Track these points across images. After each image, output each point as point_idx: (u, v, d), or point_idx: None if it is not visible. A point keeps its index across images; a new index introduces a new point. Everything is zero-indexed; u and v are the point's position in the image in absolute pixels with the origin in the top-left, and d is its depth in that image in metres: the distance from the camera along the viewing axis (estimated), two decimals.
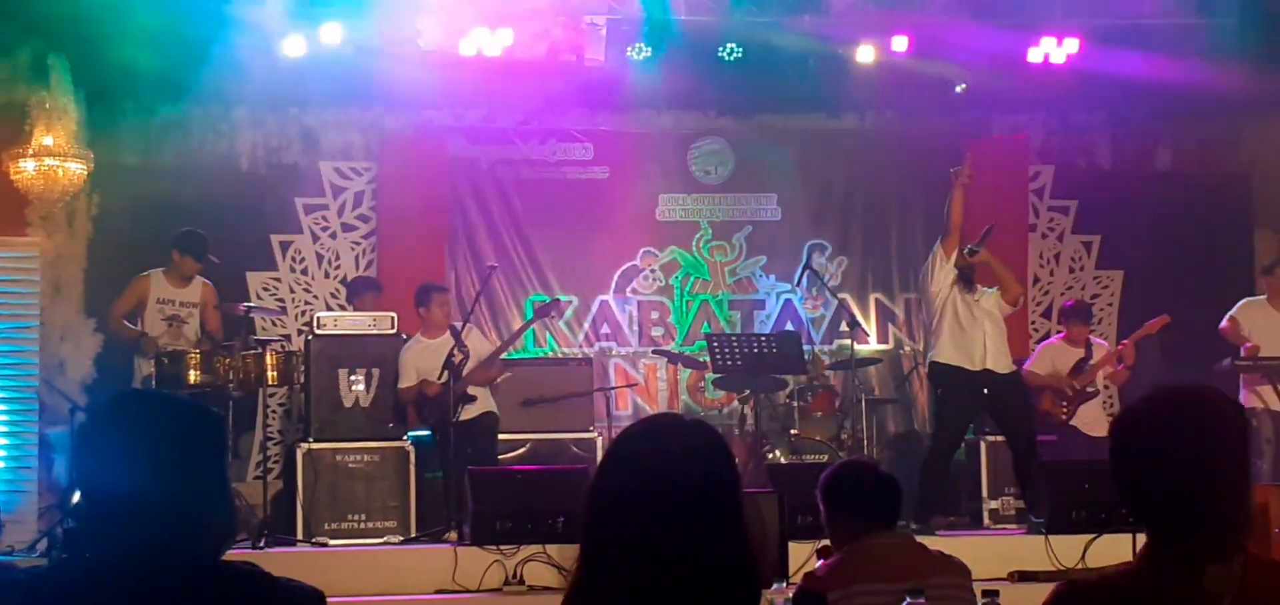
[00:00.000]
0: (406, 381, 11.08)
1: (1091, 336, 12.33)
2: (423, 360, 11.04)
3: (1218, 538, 2.81)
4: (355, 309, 11.93)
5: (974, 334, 10.68)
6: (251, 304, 12.20)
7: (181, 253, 11.23)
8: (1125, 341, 12.08)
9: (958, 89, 13.36)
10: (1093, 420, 11.92)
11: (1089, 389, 11.93)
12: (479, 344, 11.31)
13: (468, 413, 10.97)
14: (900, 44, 12.56)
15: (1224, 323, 12.03)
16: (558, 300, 12.35)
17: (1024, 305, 14.22)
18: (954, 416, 10.82)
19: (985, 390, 10.64)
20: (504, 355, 11.80)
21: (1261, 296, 12.14)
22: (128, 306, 11.39)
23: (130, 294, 11.42)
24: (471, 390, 10.98)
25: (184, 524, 2.76)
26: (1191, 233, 14.37)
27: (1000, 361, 10.72)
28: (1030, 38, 12.64)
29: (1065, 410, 11.84)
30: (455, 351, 10.74)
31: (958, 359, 10.66)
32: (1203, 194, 14.50)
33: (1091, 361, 11.90)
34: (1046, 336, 13.57)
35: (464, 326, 11.30)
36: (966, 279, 10.75)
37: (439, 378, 10.76)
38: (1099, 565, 9.25)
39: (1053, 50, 12.64)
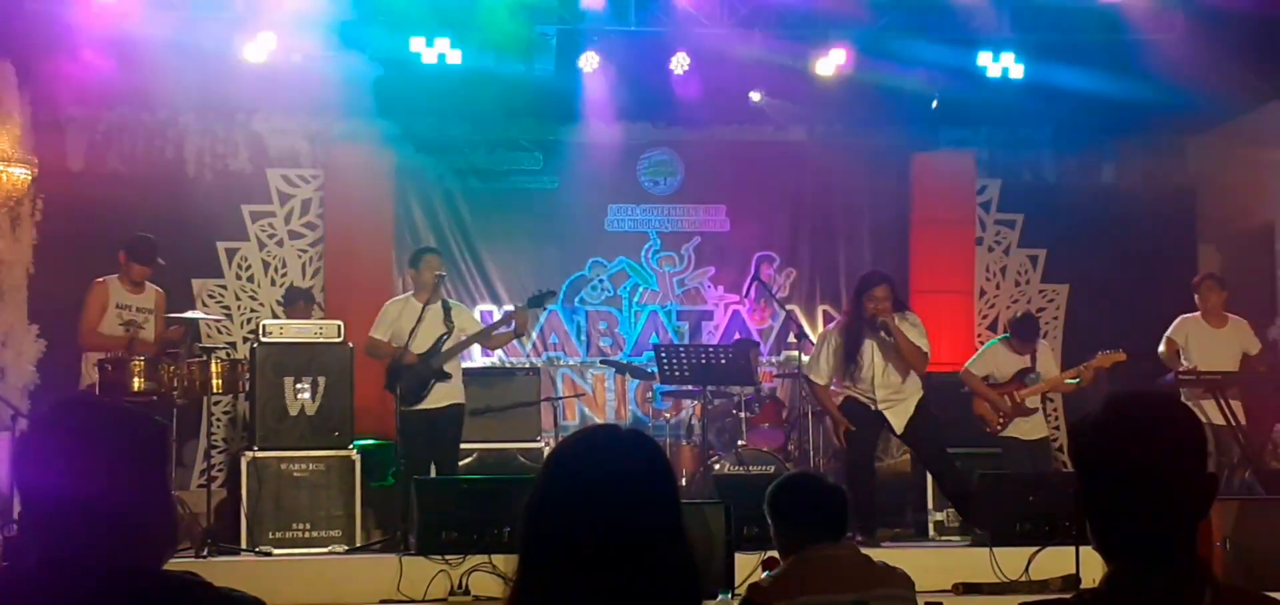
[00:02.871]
0: (378, 332, 10.88)
1: (1038, 344, 12.33)
2: (403, 317, 10.80)
3: (1182, 563, 2.75)
4: (293, 317, 11.87)
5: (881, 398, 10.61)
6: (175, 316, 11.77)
7: (130, 258, 10.99)
8: (1084, 367, 11.89)
9: (934, 104, 13.46)
10: (1028, 426, 11.90)
11: (1028, 403, 11.86)
12: (465, 322, 11.15)
13: (436, 400, 10.78)
14: (845, 57, 12.65)
15: (1162, 346, 12.04)
16: (553, 290, 11.96)
17: (970, 318, 14.35)
18: (858, 431, 10.75)
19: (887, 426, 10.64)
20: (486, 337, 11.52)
21: (1196, 313, 12.17)
22: (97, 317, 10.83)
23: (95, 303, 10.87)
24: (447, 368, 10.83)
25: (125, 532, 2.74)
26: (1136, 247, 14.51)
27: (896, 420, 10.66)
28: (977, 53, 12.73)
29: (1001, 422, 11.84)
30: (444, 322, 10.68)
31: (862, 399, 10.62)
32: (1147, 209, 14.64)
33: (1037, 377, 11.85)
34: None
35: (429, 299, 11.02)
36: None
37: (422, 349, 10.67)
38: (1042, 578, 9.30)
39: (999, 65, 12.73)
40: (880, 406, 10.51)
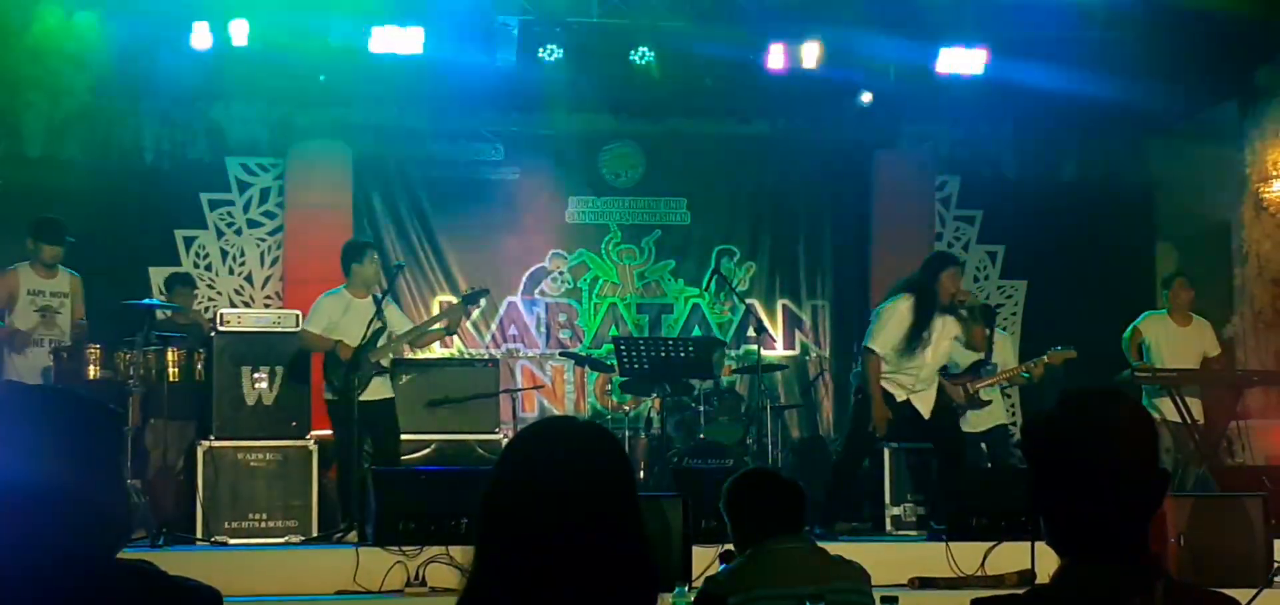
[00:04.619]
0: (314, 325, 10.59)
1: (994, 332, 12.31)
2: (337, 311, 10.58)
3: (1134, 558, 2.78)
4: (171, 302, 11.80)
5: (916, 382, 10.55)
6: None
7: (37, 240, 10.75)
8: (1034, 362, 11.91)
9: (863, 99, 13.46)
10: (983, 417, 11.90)
11: (983, 395, 11.85)
12: (396, 319, 10.96)
13: (373, 393, 10.64)
14: (811, 52, 12.66)
15: (1127, 334, 12.09)
16: (486, 290, 11.88)
17: None
18: (871, 432, 10.68)
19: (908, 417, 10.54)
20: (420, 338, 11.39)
21: (1162, 310, 12.22)
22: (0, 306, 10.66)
23: (0, 292, 10.68)
24: (382, 363, 10.66)
25: (76, 521, 2.71)
26: (1095, 244, 14.59)
27: (923, 406, 10.59)
28: (939, 48, 12.76)
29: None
30: (375, 320, 10.47)
31: (891, 387, 10.52)
32: (1106, 206, 14.72)
33: (994, 368, 11.86)
34: None
35: (384, 297, 10.85)
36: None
37: (359, 341, 10.42)
38: (998, 573, 9.34)
39: (961, 61, 12.76)
40: (912, 394, 10.45)
